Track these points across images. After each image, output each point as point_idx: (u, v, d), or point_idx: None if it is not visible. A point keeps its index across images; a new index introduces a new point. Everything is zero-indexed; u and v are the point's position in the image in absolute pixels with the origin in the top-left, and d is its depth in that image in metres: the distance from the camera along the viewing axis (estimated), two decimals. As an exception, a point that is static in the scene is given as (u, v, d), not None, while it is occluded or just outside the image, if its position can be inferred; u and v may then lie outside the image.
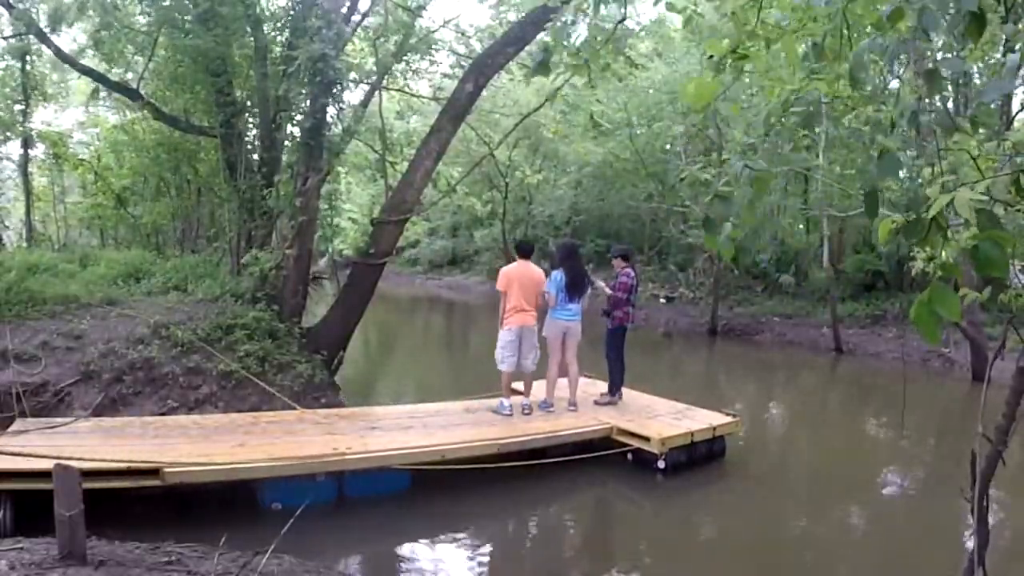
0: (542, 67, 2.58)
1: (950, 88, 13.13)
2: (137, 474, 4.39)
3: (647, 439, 6.05)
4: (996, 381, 2.75)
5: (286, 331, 7.43)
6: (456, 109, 8.42)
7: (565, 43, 2.61)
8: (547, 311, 6.94)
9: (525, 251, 6.92)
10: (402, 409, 6.93)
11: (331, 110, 8.02)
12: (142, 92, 10.14)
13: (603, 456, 6.08)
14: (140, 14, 9.75)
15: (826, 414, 9.85)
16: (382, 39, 9.92)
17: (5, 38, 12.47)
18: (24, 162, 14.89)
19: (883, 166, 1.87)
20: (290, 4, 8.63)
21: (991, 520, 2.61)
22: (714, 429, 6.51)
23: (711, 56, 2.46)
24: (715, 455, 6.61)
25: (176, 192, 13.58)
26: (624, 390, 7.35)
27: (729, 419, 6.72)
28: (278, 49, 8.85)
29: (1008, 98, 12.13)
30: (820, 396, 11.41)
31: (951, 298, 1.69)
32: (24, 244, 14.29)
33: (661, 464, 5.99)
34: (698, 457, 6.36)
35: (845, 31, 1.99)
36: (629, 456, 6.16)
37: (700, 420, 6.67)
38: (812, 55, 2.20)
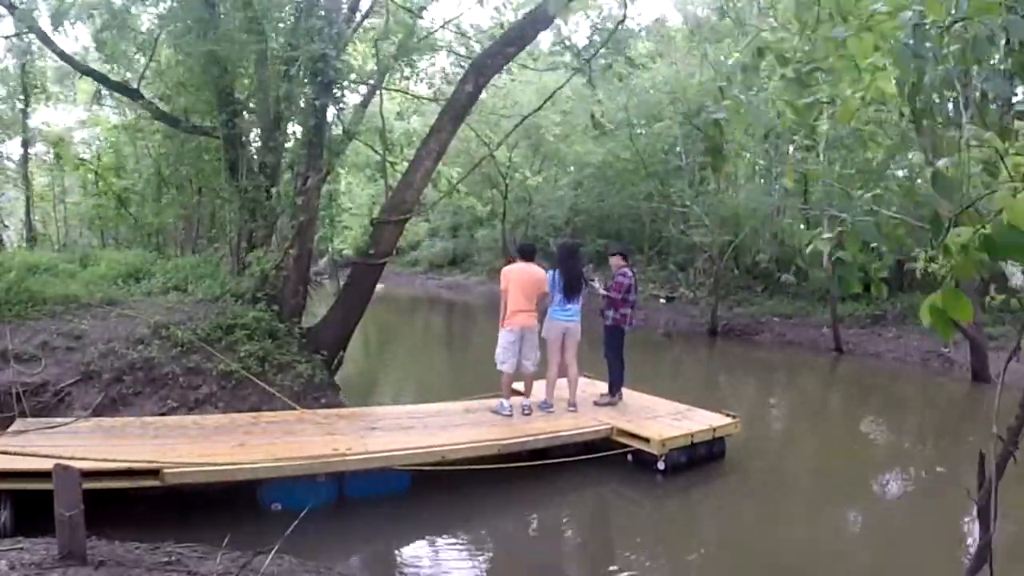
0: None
1: (957, 85, 13.11)
2: (137, 475, 4.39)
3: (647, 440, 6.04)
4: (996, 382, 2.74)
5: (286, 331, 7.43)
6: (456, 109, 8.41)
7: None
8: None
9: (526, 253, 6.90)
10: (402, 409, 6.92)
11: (331, 110, 8.02)
12: (143, 93, 10.14)
13: (603, 457, 6.08)
14: (142, 12, 9.74)
15: (826, 414, 9.84)
16: (383, 40, 9.92)
17: (6, 37, 12.47)
18: (24, 162, 14.90)
19: (938, 187, 1.86)
20: (291, 4, 8.63)
21: (994, 520, 2.61)
22: (714, 430, 6.50)
23: (783, 75, 2.44)
24: (715, 456, 6.60)
25: (177, 192, 13.59)
26: (624, 390, 7.35)
27: (729, 420, 6.71)
28: (279, 48, 8.84)
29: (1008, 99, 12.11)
30: (820, 396, 11.40)
31: (963, 301, 1.68)
32: (24, 244, 14.30)
33: (661, 465, 5.98)
34: (698, 458, 6.35)
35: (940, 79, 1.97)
36: (629, 457, 6.16)
37: (700, 421, 6.65)
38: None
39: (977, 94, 1.95)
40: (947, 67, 1.83)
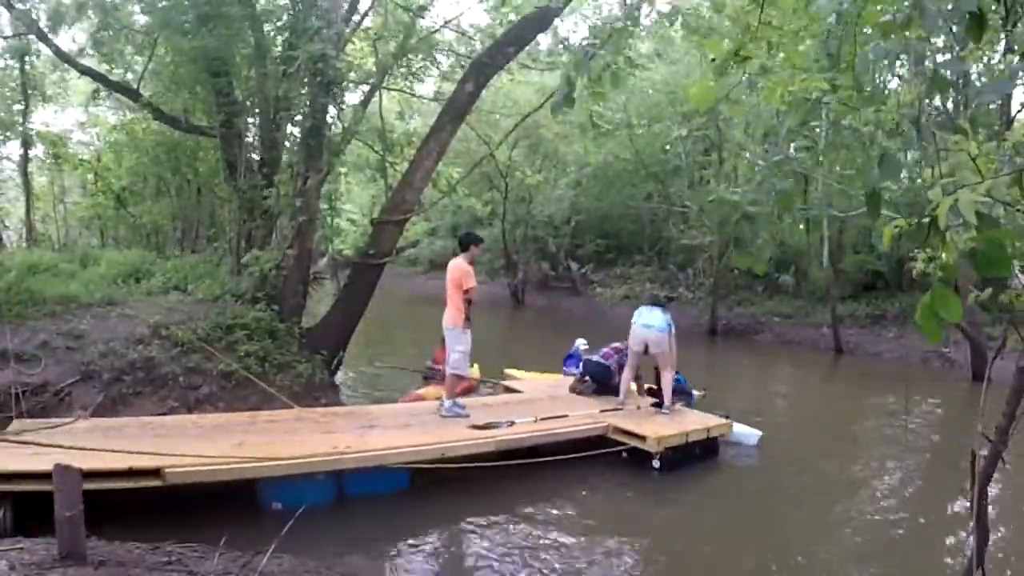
0: (567, 100, 2.58)
1: (951, 89, 13.13)
2: (138, 474, 4.39)
3: (643, 438, 6.09)
4: (996, 381, 2.74)
5: (286, 331, 7.43)
6: (456, 109, 8.42)
7: (584, 74, 2.60)
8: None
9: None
10: (400, 407, 6.93)
11: (331, 110, 8.02)
12: (142, 92, 10.14)
13: (601, 453, 6.11)
14: (140, 14, 9.73)
15: (825, 414, 9.84)
16: (382, 39, 9.92)
17: (5, 38, 12.47)
18: (24, 162, 14.91)
19: (884, 168, 1.87)
20: (290, 4, 8.63)
21: (990, 519, 2.61)
22: (708, 430, 6.61)
23: (713, 59, 2.47)
24: (710, 453, 6.70)
25: (176, 192, 13.60)
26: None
27: (723, 421, 6.85)
28: (278, 49, 8.84)
29: (1008, 98, 12.13)
30: (820, 396, 11.41)
31: (952, 300, 1.69)
32: (24, 244, 14.31)
33: (656, 463, 6.04)
34: (693, 456, 6.43)
35: (853, 34, 1.97)
36: (624, 455, 6.21)
37: (695, 421, 6.76)
38: (824, 60, 2.18)
39: (926, 69, 1.94)
40: (896, 40, 1.81)
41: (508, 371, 9.15)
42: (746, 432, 7.23)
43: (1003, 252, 1.70)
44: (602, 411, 6.83)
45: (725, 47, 2.42)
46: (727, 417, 6.96)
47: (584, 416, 6.63)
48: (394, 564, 4.53)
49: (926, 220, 1.69)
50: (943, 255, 1.82)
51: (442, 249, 30.65)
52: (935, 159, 1.84)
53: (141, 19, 9.82)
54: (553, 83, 12.56)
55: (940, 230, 1.65)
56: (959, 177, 1.76)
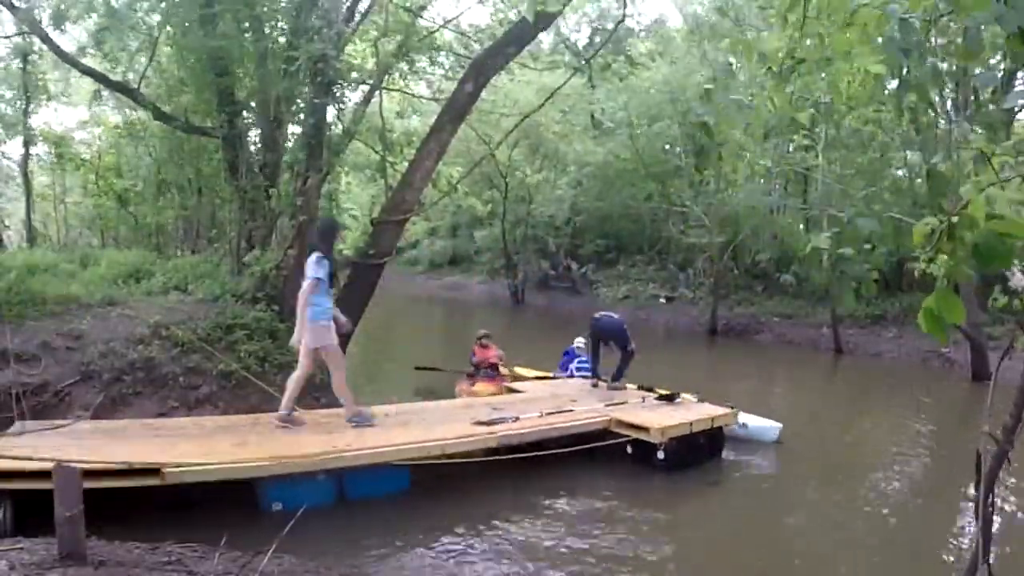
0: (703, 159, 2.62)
1: (951, 88, 13.11)
2: (138, 473, 4.38)
3: (646, 429, 6.08)
4: (998, 381, 2.74)
5: (286, 331, 7.39)
6: (456, 109, 8.42)
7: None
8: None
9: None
10: (400, 407, 6.93)
11: (331, 110, 8.02)
12: (144, 92, 10.13)
13: (603, 447, 6.13)
14: (145, 12, 9.71)
15: (826, 413, 9.84)
16: (383, 39, 9.92)
17: (7, 37, 12.47)
18: (25, 162, 14.91)
19: (933, 185, 1.86)
20: (291, 4, 8.62)
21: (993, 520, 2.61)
22: (712, 419, 6.59)
23: (769, 68, 2.47)
24: (715, 449, 6.69)
25: (177, 192, 13.58)
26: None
27: (727, 411, 6.80)
28: (279, 49, 8.83)
29: (1009, 98, 12.11)
30: (820, 396, 11.40)
31: (954, 302, 1.69)
32: (25, 244, 14.31)
33: (660, 455, 6.02)
34: (697, 449, 6.41)
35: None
36: (628, 449, 6.20)
37: (699, 411, 6.75)
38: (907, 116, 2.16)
39: (971, 89, 1.96)
40: (937, 60, 1.82)
41: (516, 369, 9.23)
42: (764, 426, 7.14)
43: (1006, 244, 1.67)
44: (606, 404, 6.86)
45: (780, 54, 2.42)
46: (732, 407, 6.95)
47: (587, 410, 6.64)
48: (394, 564, 4.52)
49: (961, 217, 1.66)
50: (947, 256, 1.80)
51: (442, 249, 30.70)
52: (947, 157, 1.84)
53: (145, 18, 9.80)
54: (553, 83, 12.56)
55: (953, 232, 1.64)
56: (987, 177, 1.75)
